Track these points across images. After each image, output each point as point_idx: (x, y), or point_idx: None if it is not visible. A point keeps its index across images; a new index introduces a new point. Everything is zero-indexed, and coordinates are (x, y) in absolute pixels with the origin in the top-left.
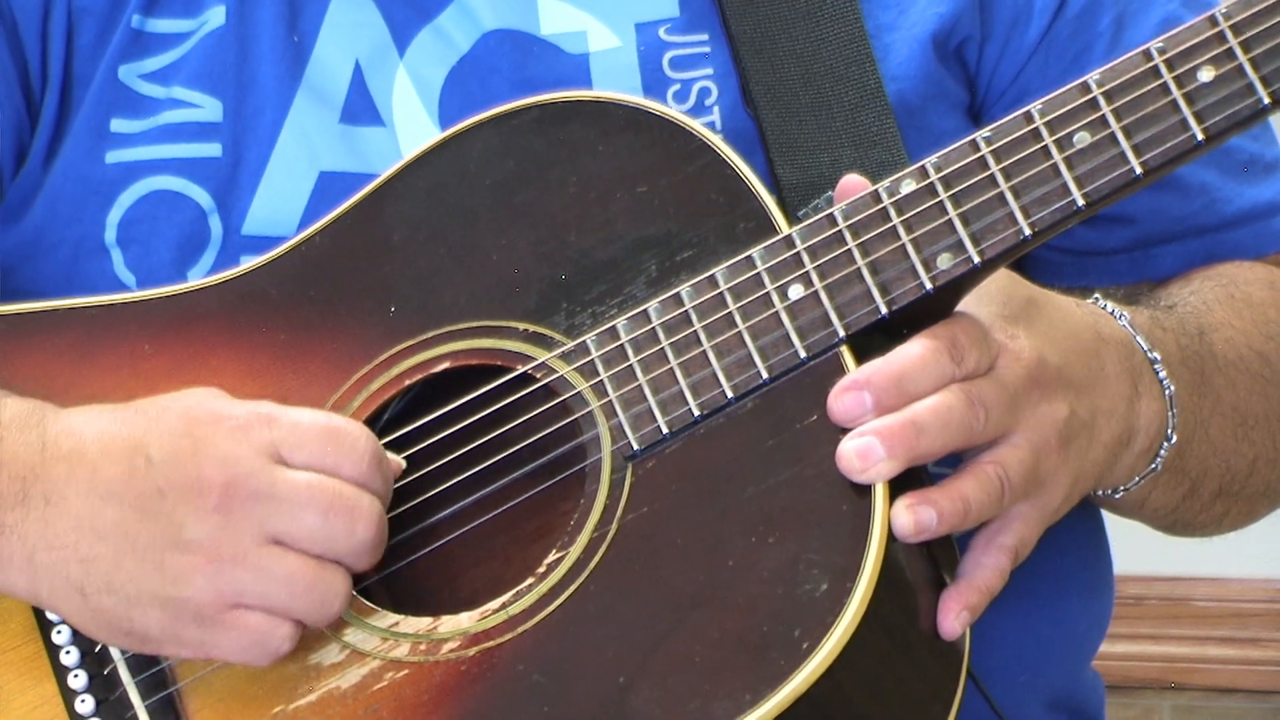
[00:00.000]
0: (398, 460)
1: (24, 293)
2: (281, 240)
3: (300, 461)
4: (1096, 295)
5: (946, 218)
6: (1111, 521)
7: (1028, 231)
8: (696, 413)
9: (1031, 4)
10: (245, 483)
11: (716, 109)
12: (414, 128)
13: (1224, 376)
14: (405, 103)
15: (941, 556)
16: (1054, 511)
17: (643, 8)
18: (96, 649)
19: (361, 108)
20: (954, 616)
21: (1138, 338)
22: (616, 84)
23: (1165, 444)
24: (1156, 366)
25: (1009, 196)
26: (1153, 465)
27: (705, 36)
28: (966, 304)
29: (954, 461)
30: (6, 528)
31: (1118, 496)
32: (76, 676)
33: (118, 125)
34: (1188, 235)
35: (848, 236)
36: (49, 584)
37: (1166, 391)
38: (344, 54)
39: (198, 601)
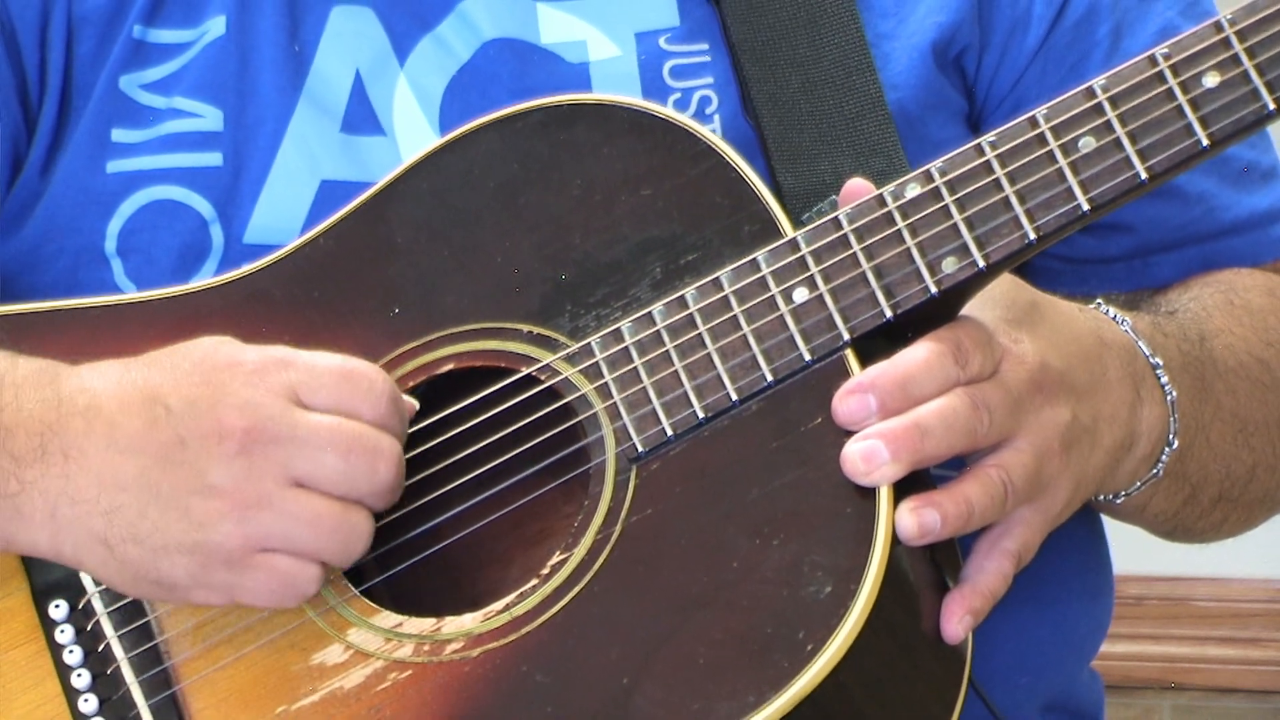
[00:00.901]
0: (412, 401)
1: (23, 302)
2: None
3: (319, 404)
4: (1099, 300)
5: (951, 222)
6: (1112, 522)
7: (1033, 236)
8: (701, 415)
9: (1030, 13)
10: (266, 427)
11: (717, 118)
12: (414, 137)
13: (1224, 383)
14: (406, 112)
15: (945, 560)
16: (1056, 516)
17: (643, 17)
18: (100, 648)
19: (362, 117)
20: (957, 620)
21: (1140, 343)
22: (617, 93)
23: (1167, 449)
24: (1159, 371)
25: (1014, 201)
26: (1154, 470)
27: (705, 45)
28: (971, 308)
29: (956, 466)
30: (27, 484)
31: (1119, 502)
32: (79, 675)
33: (118, 135)
34: (1186, 243)
35: (853, 240)
36: (72, 539)
37: (1168, 397)
38: (344, 63)
39: (225, 546)
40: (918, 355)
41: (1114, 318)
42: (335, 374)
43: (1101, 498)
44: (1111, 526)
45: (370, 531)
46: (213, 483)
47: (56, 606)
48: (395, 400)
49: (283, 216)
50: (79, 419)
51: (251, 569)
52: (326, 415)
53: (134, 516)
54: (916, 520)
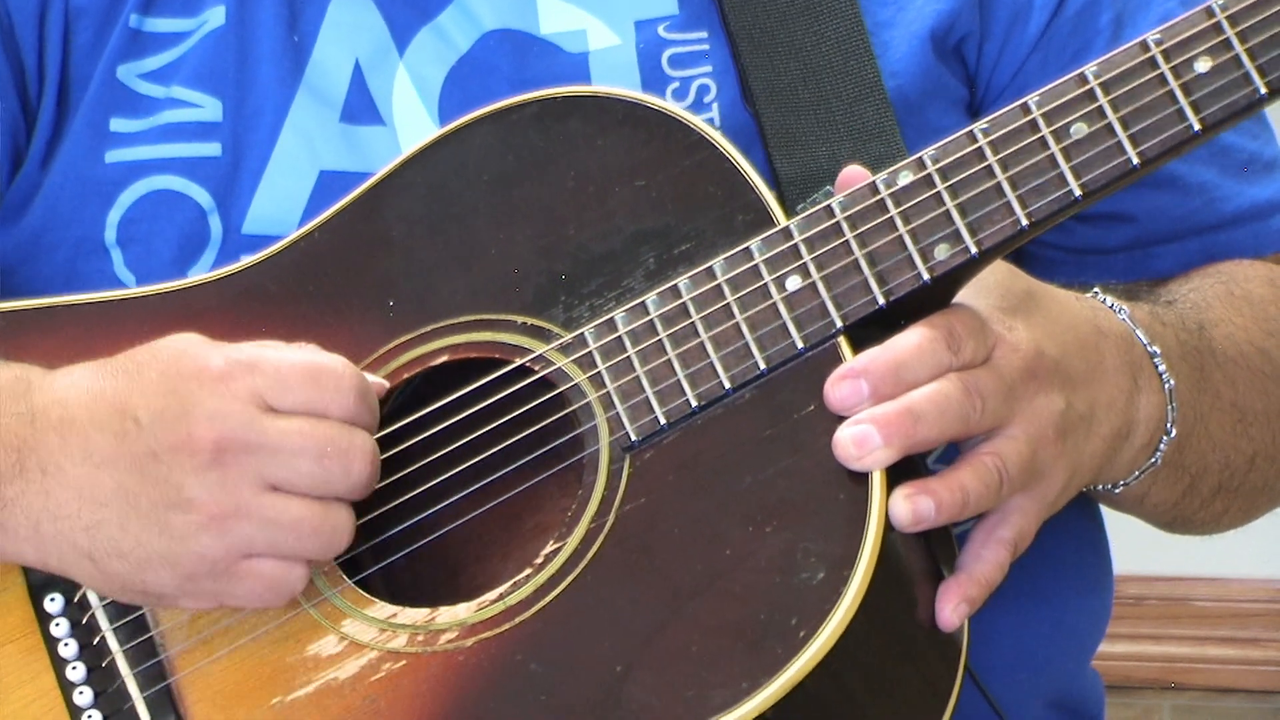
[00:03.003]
0: (380, 382)
1: (23, 293)
2: (282, 240)
3: (287, 406)
4: (1096, 289)
5: (944, 209)
6: (1111, 520)
7: (1025, 222)
8: (694, 404)
9: (1031, 2)
10: (236, 436)
11: (716, 106)
12: (414, 127)
13: (1223, 372)
14: (405, 102)
15: (939, 549)
16: (1052, 504)
17: (642, 5)
18: (95, 640)
19: (361, 107)
20: (952, 608)
21: (1137, 331)
22: (616, 82)
23: (1165, 438)
24: (1156, 360)
25: (1006, 187)
26: (1152, 460)
27: (704, 34)
28: (964, 295)
29: (949, 457)
30: (8, 501)
31: (1117, 491)
32: (74, 668)
33: (117, 125)
34: (1187, 234)
35: (845, 228)
36: (57, 553)
37: (1166, 386)
38: (344, 53)
39: (207, 557)
40: (910, 341)
41: (1111, 306)
42: (301, 374)
43: (1100, 487)
44: (1112, 526)
45: (352, 522)
46: (188, 496)
47: (52, 600)
48: (363, 392)
49: (282, 207)
50: (53, 434)
51: (237, 576)
52: (295, 418)
53: (115, 531)
54: (910, 507)
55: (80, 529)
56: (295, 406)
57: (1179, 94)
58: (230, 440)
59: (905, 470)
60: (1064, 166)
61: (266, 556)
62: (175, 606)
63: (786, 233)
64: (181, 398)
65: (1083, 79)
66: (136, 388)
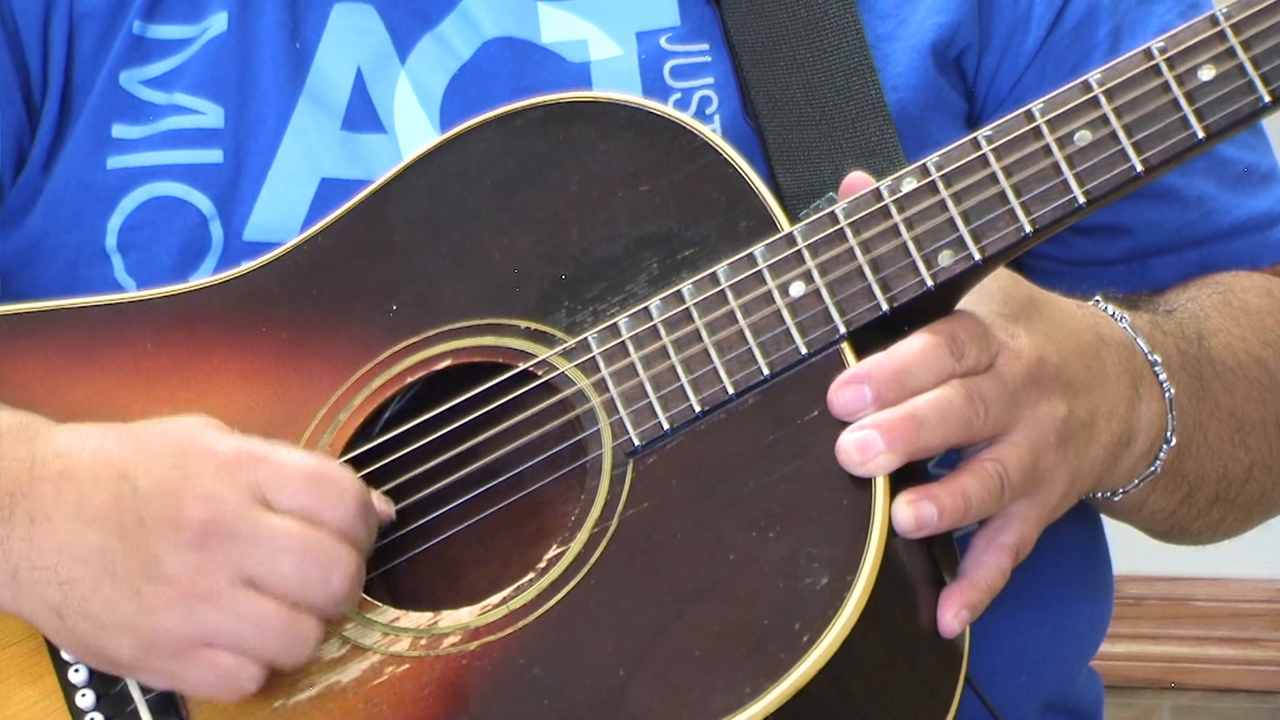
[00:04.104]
0: (387, 511)
1: (23, 298)
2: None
3: (284, 505)
4: (1097, 297)
5: (947, 215)
6: (1112, 521)
7: (1028, 229)
8: (697, 409)
9: (1029, 14)
10: (225, 523)
11: (717, 118)
12: (415, 135)
13: (1222, 382)
14: (406, 110)
15: (941, 555)
16: (1053, 510)
17: (644, 17)
18: None
19: (363, 115)
20: (953, 614)
21: (1138, 340)
22: (617, 92)
23: (1165, 446)
24: (1157, 369)
25: (1010, 194)
26: (1152, 468)
27: (706, 46)
28: (967, 302)
29: (951, 463)
30: None
31: (1116, 499)
32: (78, 671)
33: (119, 131)
34: (1185, 246)
35: (849, 234)
36: (29, 602)
37: (1167, 394)
38: (345, 61)
39: (170, 635)
40: (913, 347)
41: (1113, 315)
42: (305, 476)
43: (1100, 495)
44: (1112, 526)
45: (319, 639)
46: (165, 570)
47: None
48: (364, 508)
49: (283, 214)
50: (49, 485)
51: (194, 661)
52: (288, 519)
53: (87, 591)
54: (913, 513)
55: (54, 583)
56: (292, 507)
57: (1182, 101)
58: (218, 525)
59: (908, 476)
60: (1067, 173)
61: (226, 649)
62: (128, 677)
63: (790, 239)
64: (183, 474)
65: (1086, 86)
66: (141, 455)
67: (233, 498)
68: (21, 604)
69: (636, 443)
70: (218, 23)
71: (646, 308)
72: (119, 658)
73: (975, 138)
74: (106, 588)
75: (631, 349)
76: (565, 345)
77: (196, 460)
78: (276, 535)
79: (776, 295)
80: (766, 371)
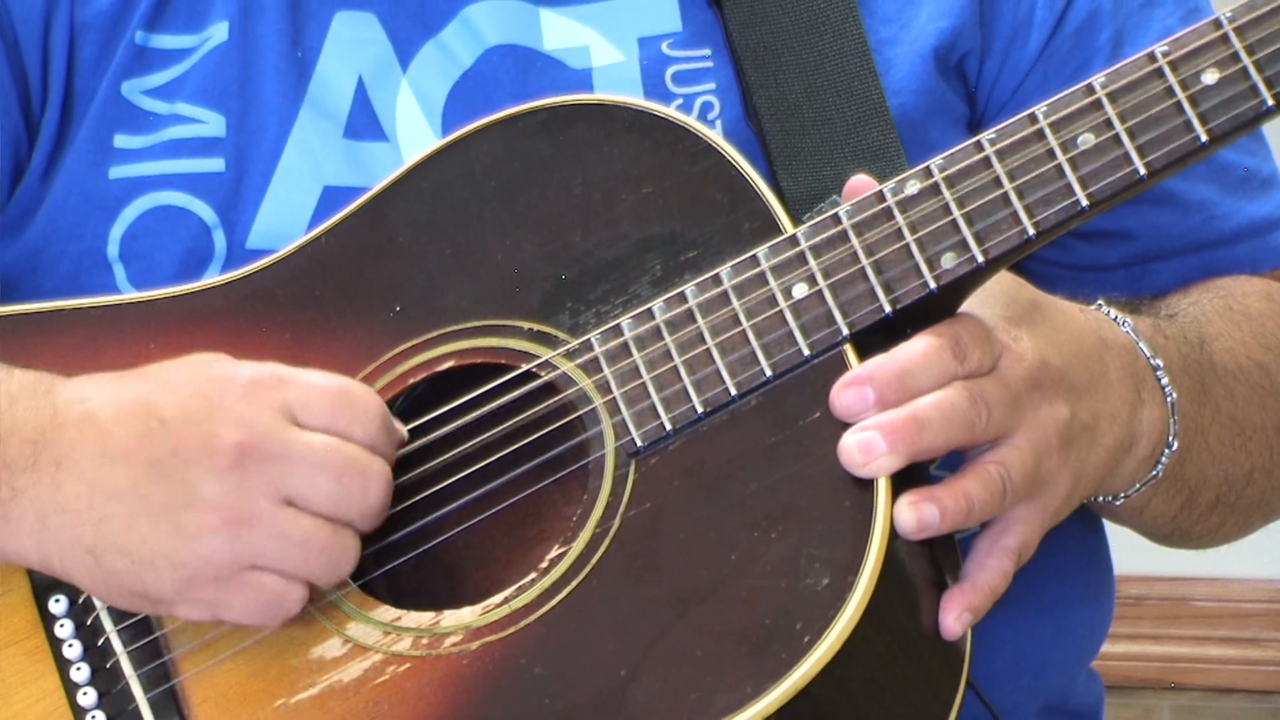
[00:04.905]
0: (401, 428)
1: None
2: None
3: (314, 423)
4: (1100, 301)
5: (950, 217)
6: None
7: (1031, 231)
8: (700, 410)
9: (1031, 19)
10: (261, 443)
11: (719, 123)
12: (417, 142)
13: (1223, 386)
14: (408, 117)
15: (943, 558)
16: (1055, 513)
17: (645, 22)
18: (99, 642)
19: (365, 123)
20: (955, 616)
21: (1140, 343)
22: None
23: (1166, 450)
24: (1159, 373)
25: (1013, 197)
26: (1153, 472)
27: (708, 51)
28: (970, 305)
29: (952, 466)
30: (17, 492)
31: (1118, 503)
32: (79, 669)
33: (121, 140)
34: (1186, 251)
35: (852, 236)
36: (59, 548)
37: (1168, 398)
38: (347, 69)
39: (213, 561)
40: (916, 348)
41: (1115, 318)
42: (331, 393)
43: (1101, 499)
44: (1112, 527)
45: (357, 553)
46: (204, 496)
47: (56, 601)
48: (387, 423)
49: (285, 222)
50: (72, 428)
51: (238, 586)
52: (320, 435)
53: (122, 527)
54: (915, 514)
55: (88, 522)
56: (321, 424)
57: (1186, 105)
58: (254, 446)
59: (910, 478)
60: (1071, 176)
61: (270, 570)
62: (169, 614)
63: (793, 240)
64: (210, 400)
65: (1090, 89)
66: (163, 389)
67: (264, 419)
68: (50, 553)
69: (639, 443)
70: (219, 32)
71: (649, 309)
72: (160, 592)
73: (978, 140)
74: (143, 521)
75: (634, 350)
76: (568, 346)
77: (220, 385)
78: (313, 451)
79: (779, 297)
80: (769, 373)
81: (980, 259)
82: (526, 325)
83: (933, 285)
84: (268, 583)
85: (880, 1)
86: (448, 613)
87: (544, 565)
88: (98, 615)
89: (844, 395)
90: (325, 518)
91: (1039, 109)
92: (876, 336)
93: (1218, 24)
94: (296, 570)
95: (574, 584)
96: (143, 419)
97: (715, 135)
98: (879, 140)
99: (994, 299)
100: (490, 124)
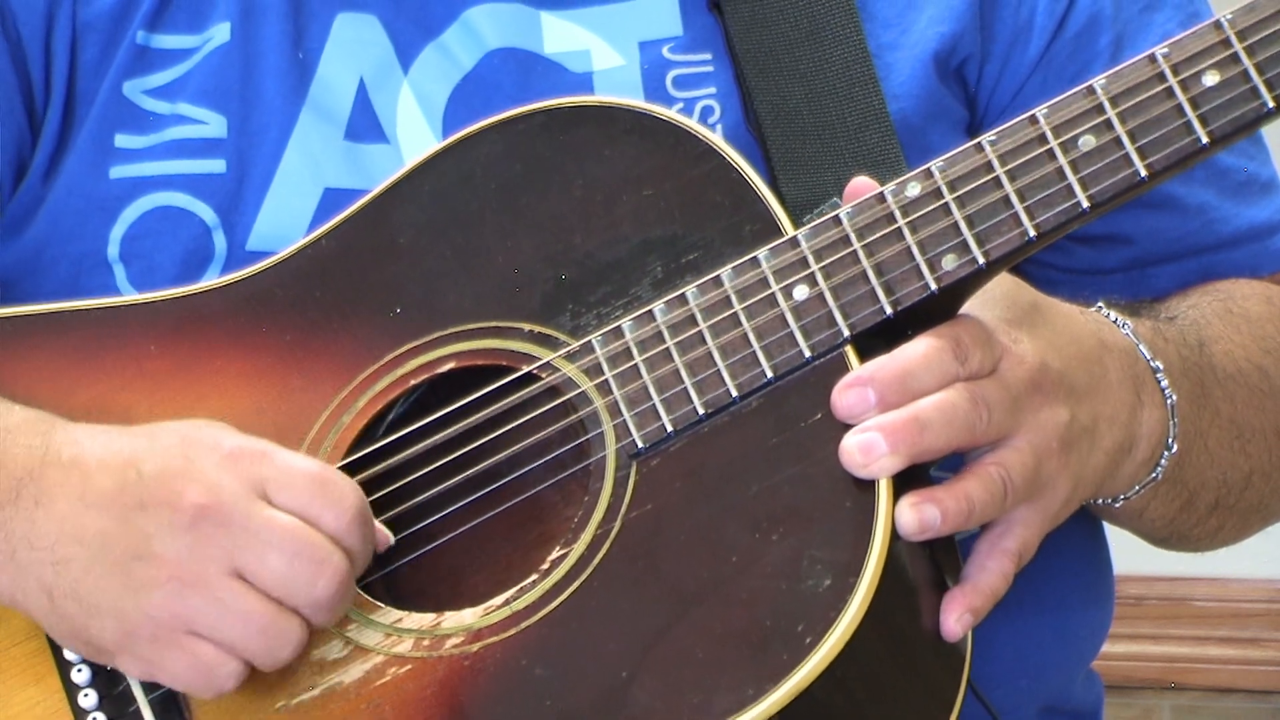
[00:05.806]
0: (385, 532)
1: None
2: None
3: (284, 503)
4: (1100, 304)
5: (951, 220)
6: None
7: (1032, 233)
8: (701, 411)
9: (1031, 23)
10: (221, 509)
11: (719, 128)
12: (418, 145)
13: (1223, 389)
14: (409, 120)
15: (944, 559)
16: (1055, 515)
17: (646, 26)
18: None
19: (366, 125)
20: (956, 618)
21: (1140, 346)
22: None
23: (1166, 453)
24: (1159, 375)
25: (1014, 199)
26: (1153, 474)
27: (709, 56)
28: (971, 307)
29: (952, 468)
30: None
31: (1118, 505)
32: (80, 671)
33: (122, 140)
34: (1185, 255)
35: (853, 238)
36: (21, 583)
37: (1168, 400)
38: (348, 71)
39: (154, 618)
40: (917, 350)
41: (1115, 321)
42: (308, 477)
43: (1101, 501)
44: (1112, 527)
45: (301, 642)
46: (157, 551)
47: None
48: (362, 518)
49: (286, 224)
50: (59, 469)
51: (175, 648)
52: (285, 515)
53: (79, 572)
54: (916, 515)
55: (49, 563)
56: (292, 505)
57: (1187, 107)
58: (215, 510)
59: (911, 479)
60: (1072, 178)
61: (207, 639)
62: (113, 665)
63: (794, 242)
64: (188, 460)
65: (1091, 92)
66: (151, 445)
67: (233, 487)
68: (16, 587)
69: (640, 445)
70: (221, 33)
71: (650, 310)
72: (103, 641)
73: (979, 142)
74: (98, 568)
75: (635, 351)
76: (569, 348)
77: (202, 450)
78: (271, 528)
79: (780, 298)
80: (770, 374)
81: (981, 261)
82: (527, 327)
83: (934, 287)
84: (202, 651)
85: (880, 6)
86: (449, 614)
87: (545, 567)
88: None
89: (845, 396)
90: (273, 599)
91: (1040, 111)
92: (877, 338)
93: (1218, 26)
94: (233, 645)
95: (575, 585)
96: (123, 470)
97: (716, 138)
98: (879, 145)
99: (994, 301)
100: (491, 126)
